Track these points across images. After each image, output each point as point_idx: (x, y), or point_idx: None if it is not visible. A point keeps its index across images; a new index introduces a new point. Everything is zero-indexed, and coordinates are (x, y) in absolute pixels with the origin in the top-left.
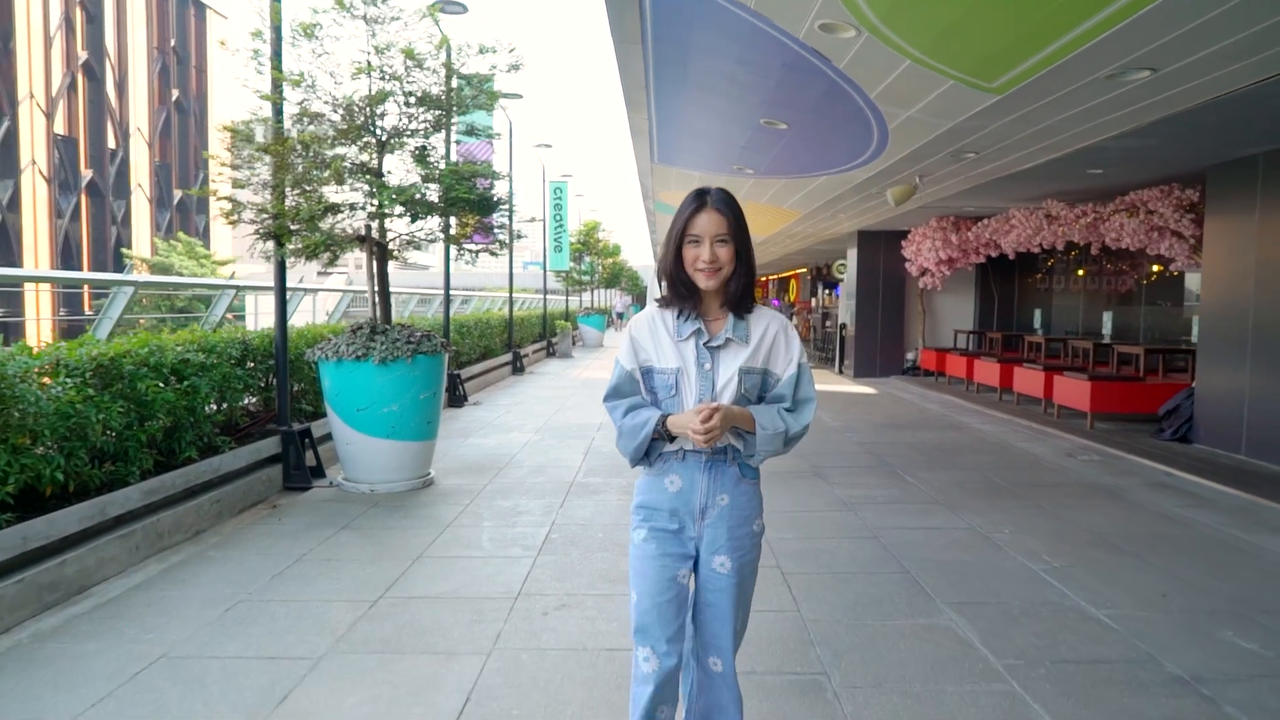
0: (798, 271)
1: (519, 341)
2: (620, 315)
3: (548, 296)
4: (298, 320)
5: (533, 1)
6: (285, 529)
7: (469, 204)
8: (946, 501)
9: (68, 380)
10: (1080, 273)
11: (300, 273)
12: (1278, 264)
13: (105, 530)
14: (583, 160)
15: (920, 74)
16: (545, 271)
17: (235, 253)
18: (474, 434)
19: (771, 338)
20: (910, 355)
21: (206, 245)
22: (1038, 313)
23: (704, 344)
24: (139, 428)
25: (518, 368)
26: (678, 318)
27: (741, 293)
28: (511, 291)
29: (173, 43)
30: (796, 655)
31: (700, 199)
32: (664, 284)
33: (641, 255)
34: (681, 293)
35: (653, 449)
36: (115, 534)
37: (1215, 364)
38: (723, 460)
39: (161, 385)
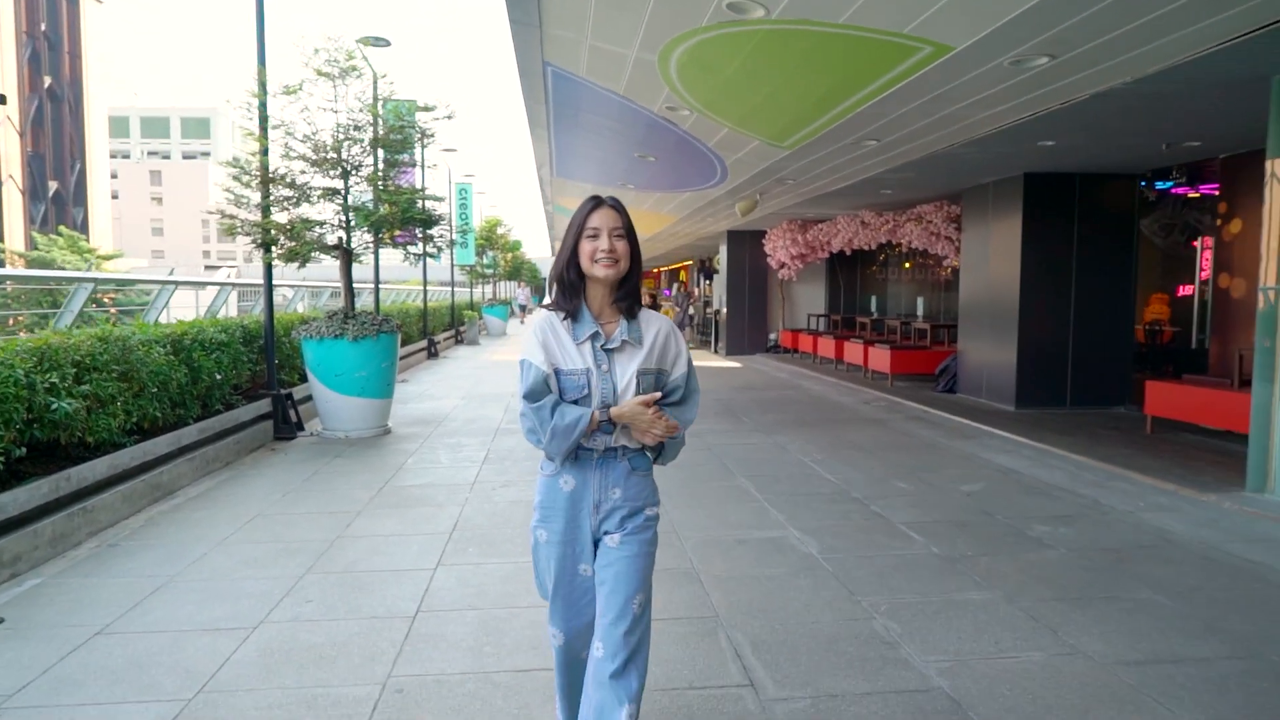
0: (686, 263)
1: (432, 330)
2: (523, 307)
3: (455, 289)
4: (182, 312)
5: (440, 17)
6: (293, 459)
7: (420, 221)
8: (764, 430)
9: (158, 349)
10: (907, 265)
11: (187, 268)
12: (1001, 262)
13: (178, 455)
14: (482, 155)
15: (737, 136)
16: (453, 266)
17: (117, 246)
18: (411, 401)
19: (663, 339)
20: (772, 335)
21: (87, 239)
22: (874, 298)
23: (601, 346)
24: (193, 385)
25: (432, 353)
26: (571, 321)
27: (633, 291)
28: (425, 285)
29: (43, 27)
30: None
31: (597, 200)
32: (554, 287)
33: (540, 249)
34: (569, 292)
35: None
36: (184, 458)
37: (969, 335)
38: (613, 457)
39: (206, 355)
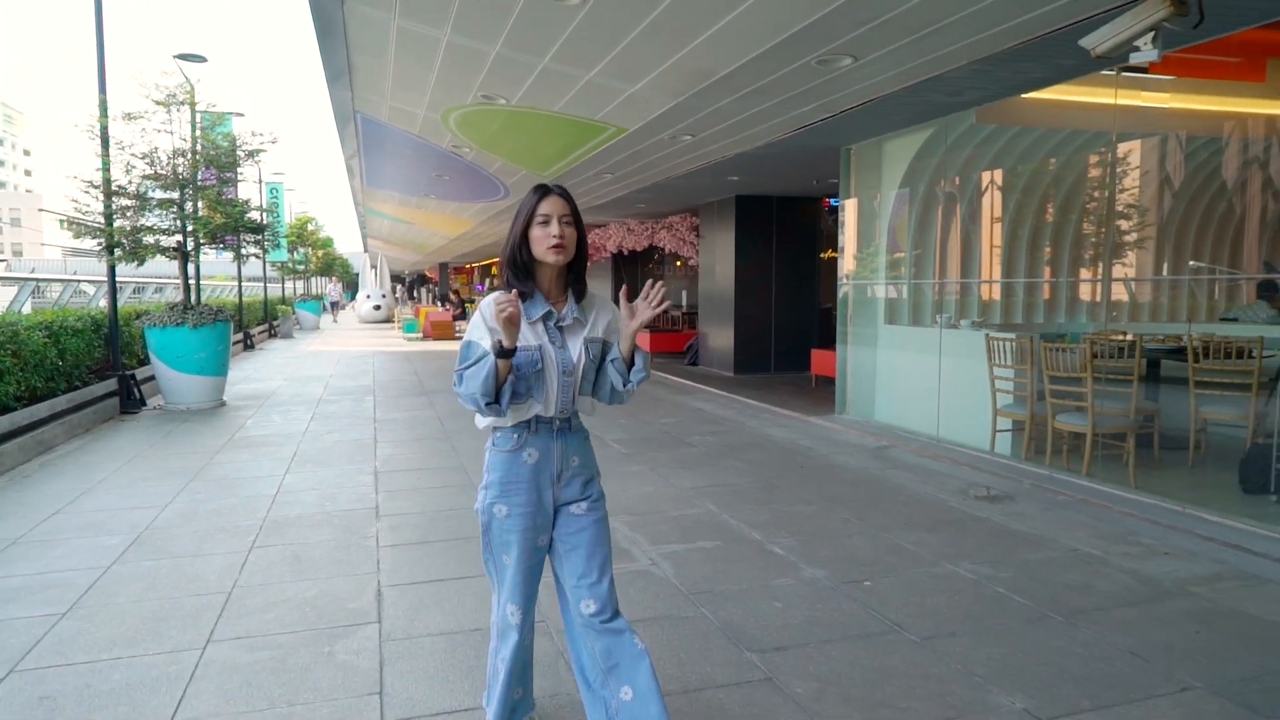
0: (496, 259)
1: (247, 324)
2: (334, 304)
3: (267, 285)
4: None
5: (253, 26)
6: (146, 425)
7: (250, 229)
8: None
9: (38, 333)
10: (678, 263)
11: None
12: (723, 263)
13: (53, 419)
14: (292, 152)
15: (510, 167)
16: (265, 263)
17: None
18: (238, 384)
19: (607, 315)
20: None
21: None
22: None
23: (554, 324)
24: (61, 363)
25: (249, 345)
26: (525, 301)
27: (581, 275)
28: (240, 281)
29: None
30: (440, 440)
31: (544, 189)
32: (506, 270)
33: (353, 245)
34: (521, 274)
35: (507, 395)
36: (57, 422)
37: (705, 320)
38: (567, 427)
39: (71, 339)
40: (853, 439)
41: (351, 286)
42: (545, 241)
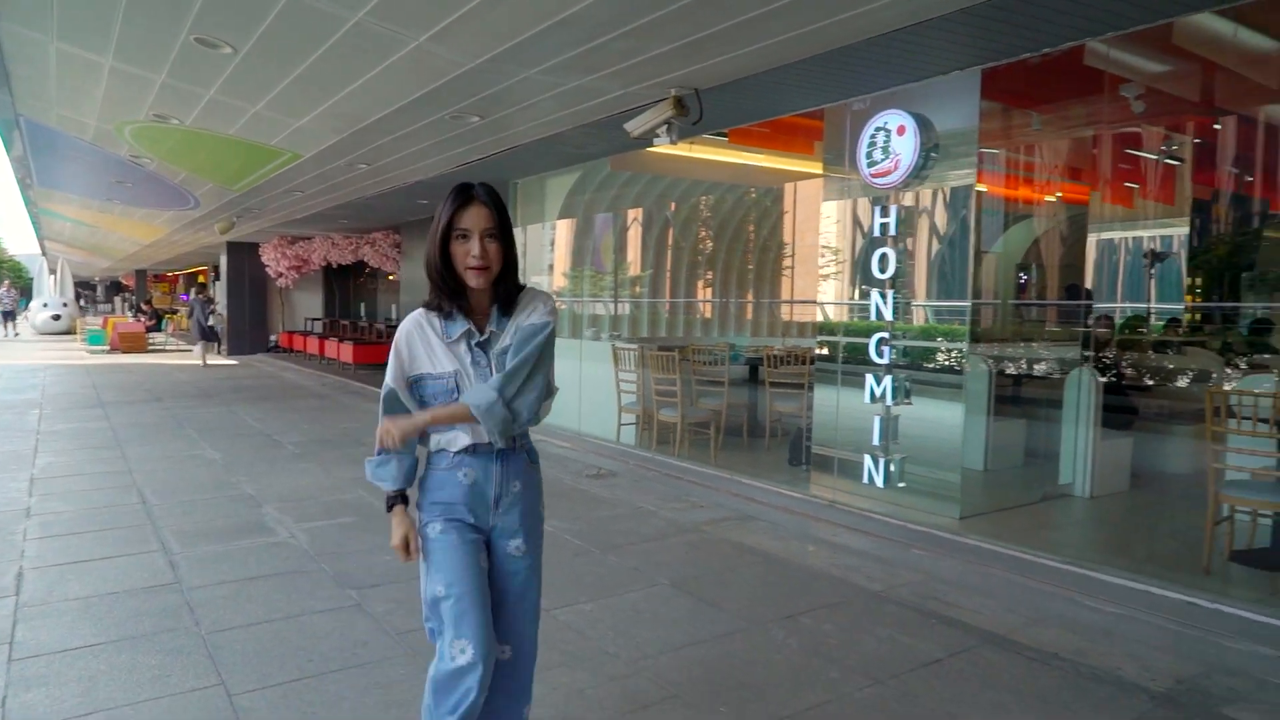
0: (203, 268)
1: None
2: (7, 313)
3: None
4: None
5: None
6: None
7: None
8: (226, 404)
9: None
10: (390, 277)
11: None
12: (421, 279)
13: None
14: None
15: (196, 179)
16: None
17: None
18: None
19: (528, 312)
20: (273, 337)
21: None
22: (363, 304)
23: (475, 343)
24: None
25: None
26: (445, 319)
27: (510, 292)
28: None
29: None
30: (110, 449)
31: (465, 193)
32: (430, 283)
33: (27, 245)
34: (446, 291)
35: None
36: None
37: None
38: (513, 449)
39: None
40: None
41: (26, 293)
42: (465, 262)
